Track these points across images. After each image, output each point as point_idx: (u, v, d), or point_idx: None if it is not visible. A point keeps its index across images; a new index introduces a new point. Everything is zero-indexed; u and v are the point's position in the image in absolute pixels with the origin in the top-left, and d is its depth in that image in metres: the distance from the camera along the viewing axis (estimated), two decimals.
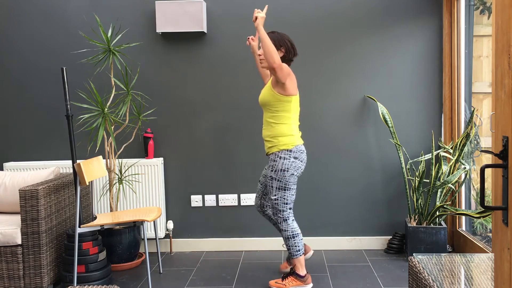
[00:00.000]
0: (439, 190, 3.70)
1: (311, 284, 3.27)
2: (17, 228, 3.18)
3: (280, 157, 3.16)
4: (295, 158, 3.17)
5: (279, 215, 3.21)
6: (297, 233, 3.22)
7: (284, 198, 3.19)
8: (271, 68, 3.03)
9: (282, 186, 3.18)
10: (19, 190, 3.18)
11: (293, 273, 3.25)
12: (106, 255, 3.43)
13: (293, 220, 3.23)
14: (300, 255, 3.23)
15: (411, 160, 3.92)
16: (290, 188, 3.19)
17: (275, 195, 3.19)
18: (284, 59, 3.21)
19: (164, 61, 4.03)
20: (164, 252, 4.08)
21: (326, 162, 4.02)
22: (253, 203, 4.07)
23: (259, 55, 3.25)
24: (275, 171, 3.17)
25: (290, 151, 3.16)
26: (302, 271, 3.23)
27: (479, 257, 2.38)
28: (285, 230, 3.21)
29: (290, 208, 3.23)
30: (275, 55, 3.01)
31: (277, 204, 3.20)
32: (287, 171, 3.16)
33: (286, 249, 3.58)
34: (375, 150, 3.99)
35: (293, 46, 3.24)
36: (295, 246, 3.21)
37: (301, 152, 3.21)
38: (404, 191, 3.94)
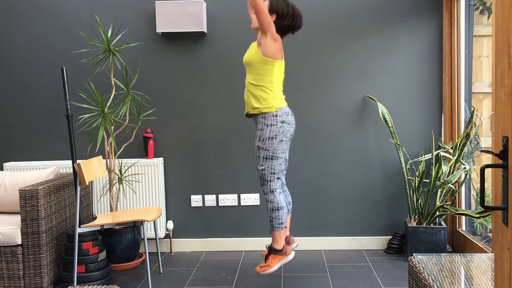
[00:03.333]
0: (439, 190, 3.70)
1: (293, 253, 3.23)
2: (17, 228, 3.18)
3: (267, 125, 3.08)
4: (282, 122, 3.10)
5: (266, 185, 3.15)
6: (282, 206, 3.16)
7: (272, 168, 3.12)
8: (255, 9, 2.96)
9: (269, 156, 3.10)
10: (19, 190, 3.18)
11: (271, 250, 3.21)
12: (106, 255, 3.43)
13: (280, 192, 3.17)
14: (282, 228, 3.18)
15: (411, 160, 3.92)
16: (278, 156, 3.12)
17: (262, 165, 3.13)
18: (278, 27, 3.10)
19: (164, 61, 4.03)
20: (164, 252, 4.08)
21: (326, 162, 4.02)
22: (253, 203, 4.07)
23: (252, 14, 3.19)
24: (262, 140, 3.10)
25: (276, 115, 3.09)
26: (279, 244, 3.18)
27: (479, 257, 2.38)
28: (270, 201, 3.15)
29: (278, 178, 3.16)
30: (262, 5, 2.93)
31: (264, 174, 3.14)
32: (275, 138, 3.08)
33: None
34: (375, 150, 3.99)
35: (293, 13, 3.12)
36: (278, 218, 3.15)
37: (287, 115, 3.13)
38: (404, 191, 3.94)
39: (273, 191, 3.15)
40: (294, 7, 3.16)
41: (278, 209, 3.16)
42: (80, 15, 4.03)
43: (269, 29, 3.04)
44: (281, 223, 3.17)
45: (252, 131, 4.01)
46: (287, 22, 3.14)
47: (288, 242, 3.31)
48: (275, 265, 3.17)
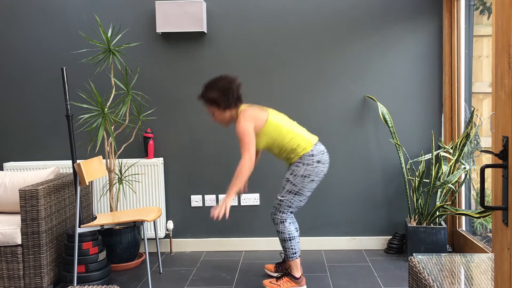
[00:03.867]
0: (439, 190, 3.70)
1: (305, 287, 3.26)
2: (17, 228, 3.18)
3: (303, 163, 3.11)
4: (318, 162, 3.13)
5: (277, 215, 3.18)
6: (294, 236, 3.19)
7: (291, 202, 3.15)
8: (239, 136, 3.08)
9: (295, 190, 3.13)
10: (19, 190, 3.18)
11: (288, 274, 3.23)
12: (106, 255, 3.43)
13: (290, 223, 3.19)
14: (296, 258, 3.21)
15: (411, 160, 3.92)
16: (302, 194, 3.15)
17: (282, 196, 3.16)
18: (227, 104, 3.13)
19: (164, 61, 4.03)
20: (164, 252, 4.08)
21: None
22: (253, 203, 4.07)
23: (214, 118, 3.25)
24: (295, 175, 3.12)
25: (312, 155, 3.11)
26: (297, 273, 3.22)
27: (479, 257, 2.38)
28: (281, 232, 3.19)
29: (291, 212, 3.20)
30: (245, 138, 3.02)
31: (280, 205, 3.17)
32: (308, 177, 3.12)
33: (282, 255, 3.58)
34: (375, 150, 3.99)
35: (227, 93, 3.12)
36: (292, 248, 3.19)
37: (322, 154, 3.16)
38: (404, 191, 3.94)
39: (283, 222, 3.19)
40: (218, 87, 3.14)
41: (290, 239, 3.19)
42: (80, 15, 4.03)
43: (250, 130, 3.06)
44: (295, 253, 3.21)
45: None
46: (229, 100, 3.15)
47: None
48: None
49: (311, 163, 3.11)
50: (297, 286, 3.22)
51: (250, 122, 3.07)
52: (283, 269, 3.42)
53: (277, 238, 4.05)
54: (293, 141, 3.12)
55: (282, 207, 3.17)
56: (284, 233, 3.18)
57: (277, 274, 3.44)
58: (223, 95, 3.12)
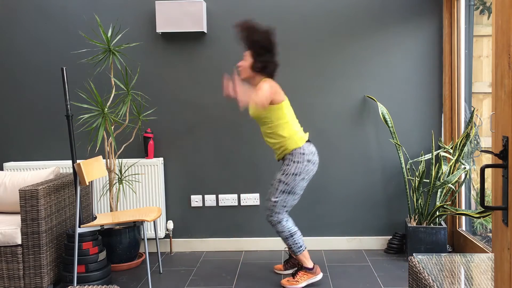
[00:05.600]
0: (439, 190, 3.70)
1: (321, 274, 3.31)
2: (17, 228, 3.18)
3: (294, 161, 3.15)
4: (308, 161, 3.17)
5: (273, 217, 3.21)
6: (295, 231, 3.22)
7: (285, 201, 3.19)
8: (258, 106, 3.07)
9: (287, 190, 3.17)
10: (19, 190, 3.18)
11: (301, 267, 3.27)
12: (106, 255, 3.43)
13: (287, 220, 3.22)
14: (303, 251, 3.25)
15: (411, 160, 3.92)
16: (295, 192, 3.19)
17: (276, 197, 3.19)
18: (262, 67, 3.15)
19: (164, 61, 4.03)
20: (164, 252, 4.08)
21: (326, 162, 4.01)
22: (253, 203, 4.07)
23: (239, 66, 3.25)
24: (286, 174, 3.16)
25: (303, 153, 3.15)
26: (309, 263, 3.26)
27: (479, 257, 2.38)
28: (281, 231, 3.22)
29: (286, 211, 3.23)
30: (259, 101, 3.03)
31: (275, 206, 3.20)
32: (299, 175, 3.15)
33: (287, 252, 3.59)
34: (375, 150, 3.99)
35: (265, 46, 3.13)
36: (296, 243, 3.22)
37: (313, 154, 3.21)
38: (404, 191, 3.94)
39: (280, 222, 3.22)
40: (257, 37, 3.14)
41: (291, 236, 3.23)
42: (80, 15, 4.03)
43: (270, 94, 3.09)
44: (300, 247, 3.24)
45: (252, 131, 4.02)
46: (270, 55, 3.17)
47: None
48: (303, 282, 3.25)
49: (301, 161, 3.15)
50: (314, 276, 3.27)
51: (271, 91, 3.09)
52: (293, 264, 3.47)
53: (277, 238, 4.05)
54: (286, 131, 3.16)
55: (277, 207, 3.19)
56: (284, 231, 3.21)
57: (289, 271, 3.48)
58: (267, 47, 3.13)
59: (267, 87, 3.09)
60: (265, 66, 3.16)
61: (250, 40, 3.16)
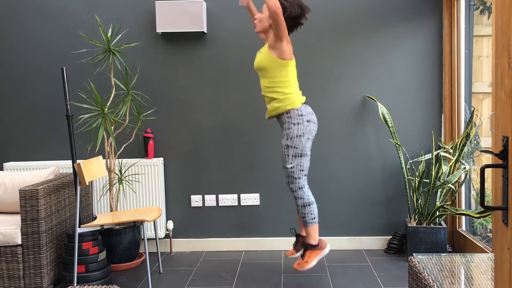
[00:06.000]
0: (439, 190, 3.70)
1: (328, 246, 3.29)
2: (17, 228, 3.18)
3: (294, 123, 3.14)
4: (308, 121, 3.17)
5: (294, 183, 3.19)
6: (312, 201, 3.22)
7: (301, 165, 3.18)
8: (272, 14, 2.97)
9: (298, 153, 3.16)
10: (19, 190, 3.18)
11: (307, 246, 3.24)
12: (106, 255, 3.43)
13: (308, 187, 3.23)
14: (315, 223, 3.22)
15: (411, 160, 3.92)
16: (306, 154, 3.18)
17: (291, 163, 3.17)
18: (287, 19, 3.11)
19: (164, 61, 4.03)
20: (164, 252, 4.08)
21: (326, 162, 4.02)
22: (253, 203, 4.07)
23: (255, 18, 3.25)
24: (291, 138, 3.15)
25: (301, 114, 3.15)
26: (314, 239, 3.23)
27: (479, 257, 2.38)
28: (300, 197, 3.20)
29: (305, 175, 3.22)
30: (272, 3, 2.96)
31: (293, 172, 3.18)
32: (303, 136, 3.15)
33: (293, 231, 3.58)
34: (375, 150, 3.99)
35: (300, 5, 3.13)
36: (311, 213, 3.21)
37: (311, 114, 3.21)
38: (404, 191, 3.94)
39: (301, 188, 3.20)
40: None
41: (309, 204, 3.21)
42: (80, 15, 4.03)
43: (284, 34, 3.07)
44: (314, 218, 3.22)
45: (252, 131, 4.02)
46: (295, 14, 3.14)
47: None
48: (313, 260, 3.21)
49: (301, 122, 3.15)
50: (322, 251, 3.25)
51: (287, 34, 3.09)
52: (301, 245, 3.42)
53: (277, 238, 4.05)
54: (286, 89, 3.15)
55: (296, 173, 3.18)
56: (303, 198, 3.20)
57: (299, 253, 3.43)
58: (290, 8, 3.11)
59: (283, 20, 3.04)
60: (288, 16, 3.12)
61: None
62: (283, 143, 3.18)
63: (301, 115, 3.15)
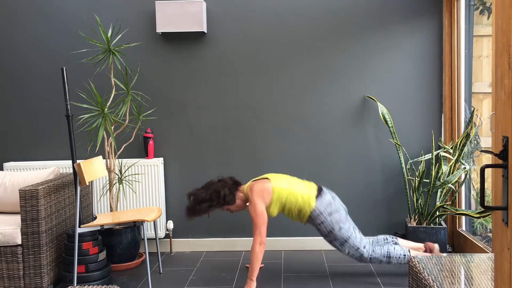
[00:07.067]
0: (439, 190, 3.70)
1: (436, 245, 3.35)
2: (17, 228, 3.18)
3: (319, 224, 3.21)
4: (330, 214, 3.20)
5: (363, 259, 3.24)
6: (389, 252, 3.22)
7: (353, 245, 3.22)
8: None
9: (344, 239, 3.21)
10: (19, 190, 3.18)
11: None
12: (106, 255, 3.43)
13: (373, 250, 3.23)
14: (408, 256, 3.22)
15: (411, 160, 3.91)
16: (349, 236, 3.20)
17: (345, 250, 3.25)
18: (226, 201, 3.27)
19: (164, 61, 4.03)
20: (164, 252, 4.08)
21: (326, 162, 4.02)
22: None
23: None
24: (326, 235, 3.24)
25: (320, 213, 3.18)
26: (418, 246, 3.35)
27: (479, 257, 2.38)
28: (379, 261, 3.25)
29: (364, 247, 3.23)
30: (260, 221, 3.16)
31: (353, 254, 3.25)
32: (333, 229, 3.20)
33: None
34: (375, 150, 3.99)
35: (217, 197, 3.27)
36: (397, 258, 3.23)
37: (329, 204, 3.23)
38: (404, 191, 3.94)
39: (371, 255, 3.23)
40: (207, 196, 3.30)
41: (389, 258, 3.24)
42: (80, 15, 4.03)
43: (262, 207, 3.19)
44: (404, 256, 3.23)
45: (252, 132, 4.02)
46: (220, 202, 3.28)
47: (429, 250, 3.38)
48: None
49: (324, 220, 3.20)
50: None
51: (261, 200, 3.18)
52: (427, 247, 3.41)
53: (277, 238, 4.05)
54: (296, 201, 3.21)
55: (355, 254, 3.24)
56: (382, 260, 3.24)
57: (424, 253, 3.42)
58: (218, 197, 3.26)
59: (255, 203, 3.17)
60: (224, 199, 3.26)
61: (202, 210, 3.29)
62: (325, 240, 3.30)
63: (320, 213, 3.19)
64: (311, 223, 3.27)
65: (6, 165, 4.02)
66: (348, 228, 3.22)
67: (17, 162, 4.06)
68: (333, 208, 3.22)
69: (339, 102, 3.98)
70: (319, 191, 3.27)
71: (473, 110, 3.63)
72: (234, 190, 3.29)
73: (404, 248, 3.26)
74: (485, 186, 1.92)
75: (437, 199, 3.71)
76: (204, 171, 4.08)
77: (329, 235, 3.23)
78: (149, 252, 3.93)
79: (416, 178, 3.71)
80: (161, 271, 3.64)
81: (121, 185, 3.85)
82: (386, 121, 3.81)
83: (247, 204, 3.32)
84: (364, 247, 3.23)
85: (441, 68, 3.91)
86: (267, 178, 3.27)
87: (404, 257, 3.22)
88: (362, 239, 3.24)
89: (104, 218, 3.40)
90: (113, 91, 3.73)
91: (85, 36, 3.98)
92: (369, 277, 3.41)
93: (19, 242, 3.18)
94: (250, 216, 3.20)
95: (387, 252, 3.22)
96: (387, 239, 3.35)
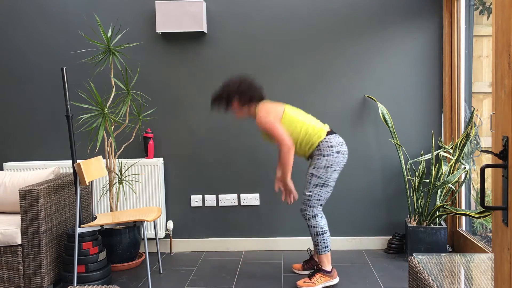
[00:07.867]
0: (439, 190, 3.70)
1: (338, 278, 3.31)
2: (17, 228, 3.18)
3: (323, 155, 3.16)
4: (338, 152, 3.18)
5: (308, 211, 3.21)
6: (326, 230, 3.24)
7: (319, 195, 3.20)
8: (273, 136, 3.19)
9: (320, 183, 3.18)
10: (19, 190, 3.18)
11: (319, 269, 3.26)
12: (106, 255, 3.43)
13: (321, 216, 3.24)
14: (328, 251, 3.25)
15: (411, 160, 3.92)
16: (328, 184, 3.20)
17: (310, 191, 3.20)
18: (246, 102, 3.25)
19: (164, 61, 4.03)
20: (164, 252, 4.08)
21: None
22: (253, 203, 4.07)
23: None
24: (318, 168, 3.17)
25: (331, 146, 3.16)
26: (328, 266, 3.26)
27: (479, 257, 2.38)
28: (314, 226, 3.22)
29: (321, 205, 3.23)
30: (268, 127, 3.14)
31: (310, 200, 3.21)
32: (331, 167, 3.17)
33: (309, 252, 3.59)
34: (375, 150, 3.99)
35: (247, 90, 3.23)
36: (324, 242, 3.23)
37: (341, 145, 3.21)
38: (404, 191, 3.94)
39: (315, 216, 3.23)
40: (236, 88, 3.25)
41: (322, 233, 3.24)
42: (80, 15, 4.03)
43: (272, 121, 3.17)
44: (326, 247, 3.25)
45: (252, 131, 4.02)
46: (249, 96, 3.25)
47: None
48: (319, 284, 3.23)
49: (331, 154, 3.16)
50: (331, 279, 3.26)
51: (269, 115, 3.16)
52: (312, 265, 3.44)
53: (277, 238, 4.05)
54: (306, 131, 3.18)
55: (312, 202, 3.20)
56: (316, 227, 3.22)
57: (306, 272, 3.47)
58: (239, 94, 3.23)
59: (263, 117, 3.16)
60: (250, 98, 3.24)
61: (226, 100, 3.27)
62: (309, 170, 3.21)
63: (331, 146, 3.16)
64: (313, 153, 3.20)
65: (6, 165, 4.03)
66: (334, 180, 3.21)
67: (17, 162, 4.07)
68: (342, 150, 3.20)
69: (339, 102, 3.98)
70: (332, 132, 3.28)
71: (473, 110, 3.63)
72: (253, 99, 3.25)
73: (329, 246, 3.26)
74: (485, 186, 1.92)
75: (437, 199, 3.71)
76: (204, 171, 4.08)
77: (320, 170, 3.15)
78: (149, 252, 3.93)
79: (416, 178, 3.71)
80: (161, 271, 3.64)
81: (121, 185, 3.85)
82: (386, 121, 3.81)
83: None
84: (320, 206, 3.22)
85: (441, 68, 3.91)
86: (282, 104, 3.28)
87: (326, 248, 3.23)
88: (323, 202, 3.23)
89: (104, 218, 3.40)
90: (113, 91, 3.73)
91: (85, 36, 3.98)
92: (369, 277, 3.41)
93: (19, 242, 3.18)
94: (263, 130, 3.20)
95: (325, 230, 3.22)
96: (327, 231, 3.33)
